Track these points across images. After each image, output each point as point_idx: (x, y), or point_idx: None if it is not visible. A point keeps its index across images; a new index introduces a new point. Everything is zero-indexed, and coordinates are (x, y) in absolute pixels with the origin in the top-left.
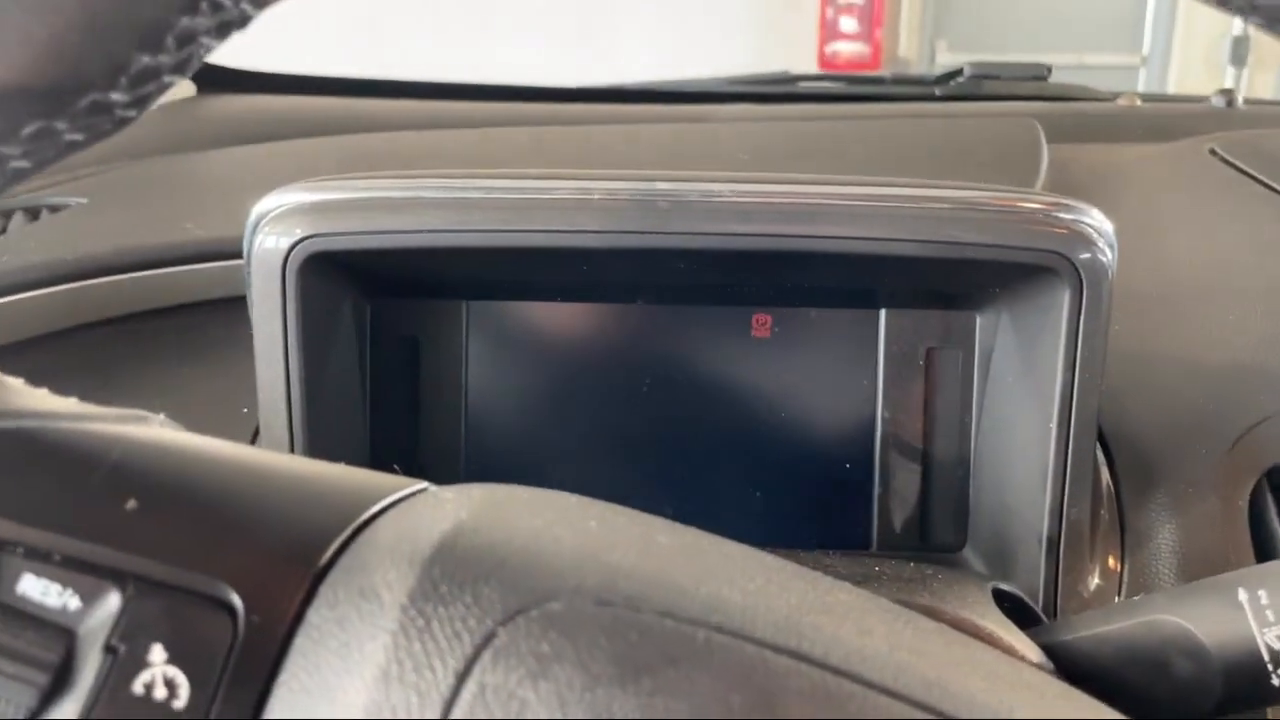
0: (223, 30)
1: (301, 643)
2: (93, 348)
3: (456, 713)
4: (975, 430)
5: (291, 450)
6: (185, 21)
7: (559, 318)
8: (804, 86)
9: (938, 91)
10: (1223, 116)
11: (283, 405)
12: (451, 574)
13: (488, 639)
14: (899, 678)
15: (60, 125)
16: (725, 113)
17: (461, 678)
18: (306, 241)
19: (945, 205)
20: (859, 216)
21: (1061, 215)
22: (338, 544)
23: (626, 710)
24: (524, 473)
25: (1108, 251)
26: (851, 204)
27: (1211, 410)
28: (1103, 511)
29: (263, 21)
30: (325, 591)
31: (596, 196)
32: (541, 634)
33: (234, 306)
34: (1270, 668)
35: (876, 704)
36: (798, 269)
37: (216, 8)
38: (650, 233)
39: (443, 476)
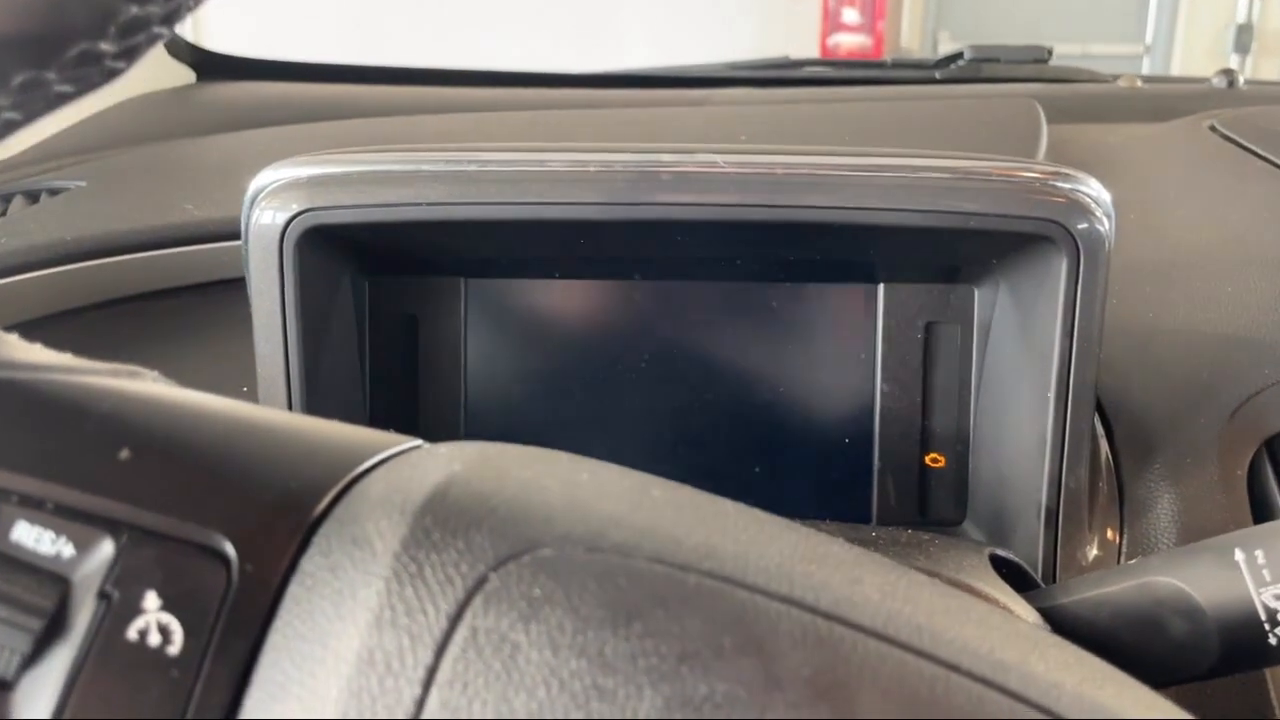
0: None
1: (295, 590)
2: (92, 329)
3: (449, 655)
4: (974, 404)
5: None
6: None
7: (557, 295)
8: (804, 71)
9: (938, 75)
10: (1224, 96)
11: (281, 380)
12: (444, 522)
13: (479, 583)
14: (890, 622)
15: (50, 76)
16: (724, 96)
17: (454, 621)
18: (304, 215)
19: (942, 175)
20: (856, 186)
21: (1059, 184)
22: (331, 495)
23: (618, 652)
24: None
25: (1105, 221)
26: (848, 174)
27: (1210, 380)
28: (1101, 482)
29: (266, 17)
30: (319, 540)
31: (593, 169)
32: (533, 578)
33: (233, 288)
34: (1267, 627)
35: (866, 646)
36: (794, 240)
37: None
38: (646, 204)
39: None
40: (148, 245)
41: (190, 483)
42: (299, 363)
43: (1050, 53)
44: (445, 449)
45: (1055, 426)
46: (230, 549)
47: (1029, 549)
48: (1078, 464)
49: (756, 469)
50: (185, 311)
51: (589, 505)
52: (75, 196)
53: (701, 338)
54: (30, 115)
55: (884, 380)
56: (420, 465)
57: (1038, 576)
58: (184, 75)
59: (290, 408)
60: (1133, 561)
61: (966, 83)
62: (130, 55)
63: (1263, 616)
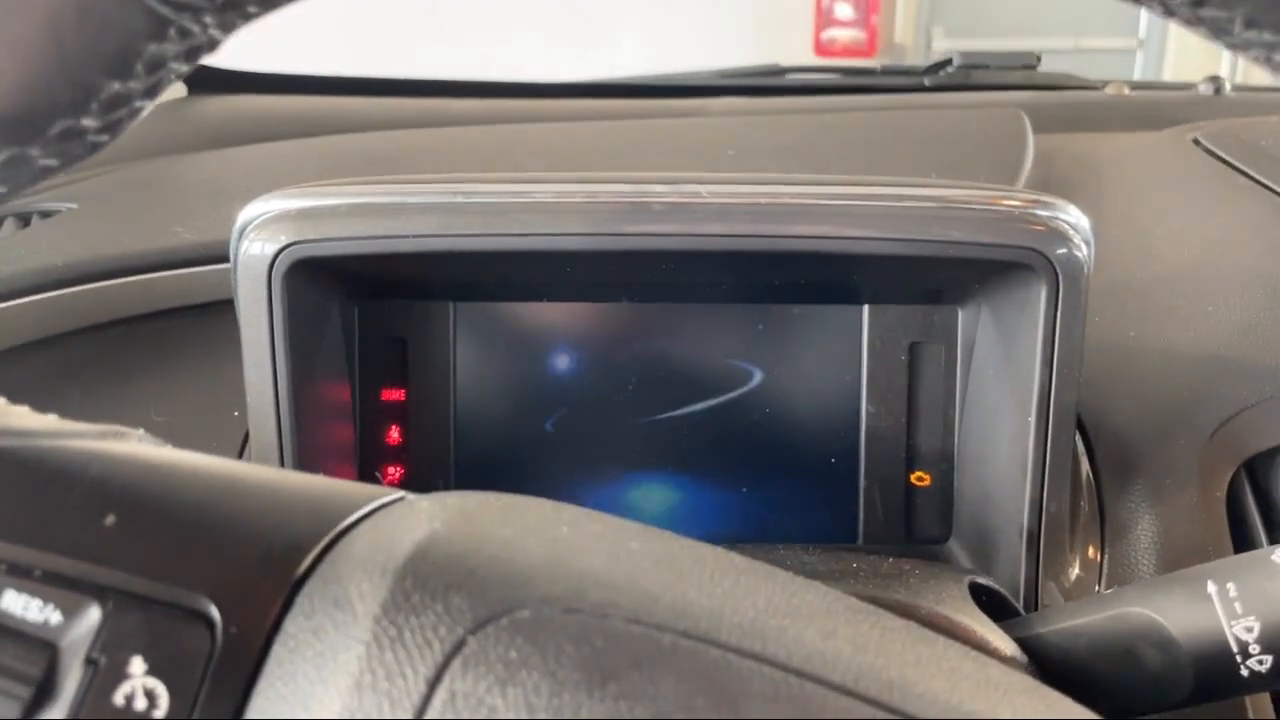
0: (191, 55)
1: (279, 652)
2: (85, 353)
3: (428, 719)
4: (959, 424)
5: (280, 452)
6: (153, 48)
7: (546, 317)
8: (794, 79)
9: (927, 82)
10: (1210, 104)
11: (271, 410)
12: (423, 583)
13: (458, 647)
14: (861, 679)
15: (34, 152)
16: (715, 106)
17: (432, 685)
18: (292, 248)
19: (923, 203)
20: (837, 215)
21: (1039, 213)
22: (314, 554)
23: (594, 713)
24: (513, 471)
25: (1084, 247)
26: (830, 203)
27: (1191, 401)
28: (1082, 503)
29: (260, 26)
30: (302, 601)
31: (578, 199)
32: (510, 641)
33: (224, 310)
34: (1239, 659)
35: (837, 704)
36: (778, 268)
37: (184, 34)
38: (630, 234)
39: (432, 475)
40: (137, 269)
41: (174, 545)
42: (288, 390)
43: (1039, 59)
44: (427, 503)
45: (1036, 450)
46: (214, 611)
47: (1011, 569)
48: (1059, 488)
49: (744, 489)
50: (175, 334)
51: (567, 563)
52: (65, 219)
53: (689, 359)
54: (14, 189)
55: (869, 400)
56: (402, 522)
57: (1020, 596)
58: (175, 89)
59: (280, 434)
60: (1109, 591)
61: (956, 90)
62: (113, 129)
63: (1234, 649)
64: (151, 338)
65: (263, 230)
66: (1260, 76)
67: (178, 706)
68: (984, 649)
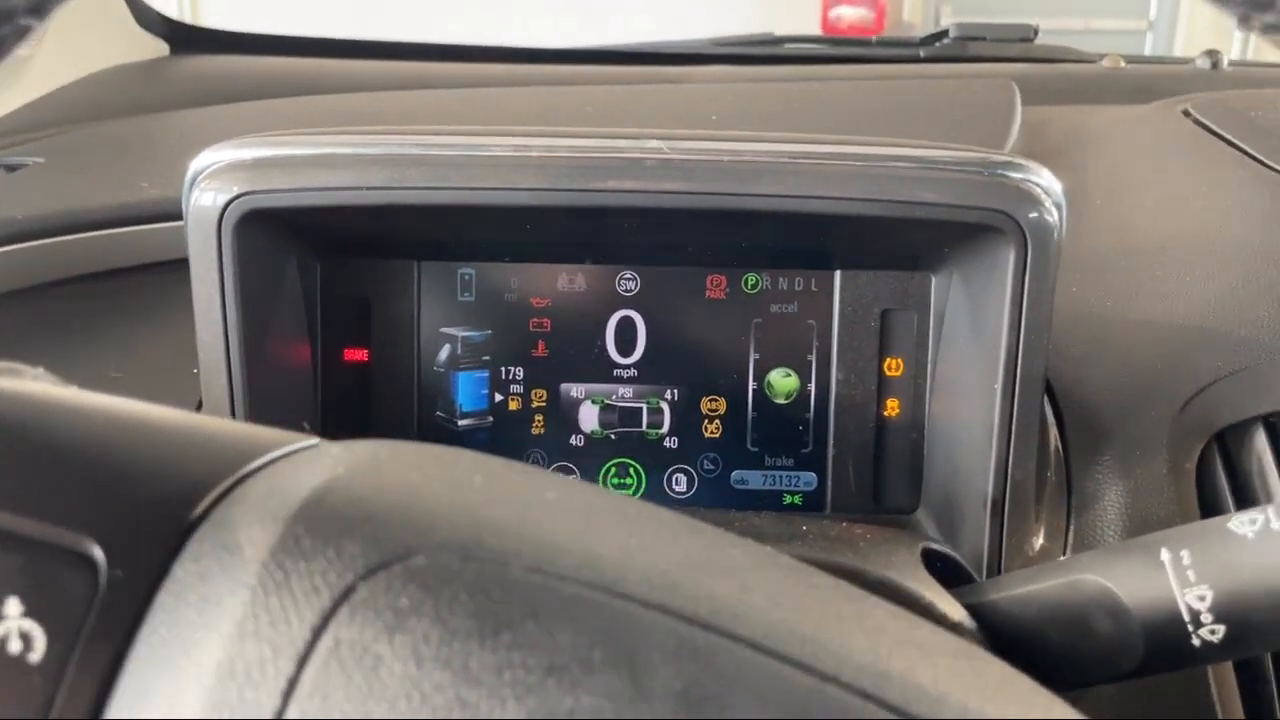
0: None
1: (164, 598)
2: (46, 309)
3: (310, 667)
4: (929, 393)
5: (232, 411)
6: None
7: (511, 279)
8: (788, 49)
9: (922, 53)
10: (1207, 78)
11: (222, 366)
12: (315, 528)
13: (346, 593)
14: (772, 633)
15: None
16: (705, 74)
17: (317, 632)
18: (243, 198)
19: (890, 163)
20: (802, 174)
21: (1009, 174)
22: (211, 498)
23: (483, 664)
24: (477, 434)
25: (1054, 211)
26: (794, 162)
27: (1163, 372)
28: (1050, 472)
29: None
30: (192, 546)
31: (535, 153)
32: (402, 589)
33: (187, 267)
34: (1190, 628)
35: (742, 658)
36: (743, 229)
37: None
38: (588, 190)
39: (395, 438)
40: (101, 224)
41: (59, 485)
42: (240, 347)
43: (1036, 31)
44: (339, 449)
45: (1002, 417)
46: (99, 553)
47: (976, 538)
48: (1025, 455)
49: (711, 455)
50: (139, 292)
51: (472, 511)
52: (31, 173)
53: (655, 324)
54: None
55: (839, 368)
56: (305, 467)
57: (983, 565)
58: (156, 48)
59: (232, 392)
60: (1063, 558)
61: (951, 61)
62: (40, 11)
63: (1186, 618)
64: (113, 294)
65: (213, 180)
66: (1270, 56)
67: (56, 650)
68: (931, 615)
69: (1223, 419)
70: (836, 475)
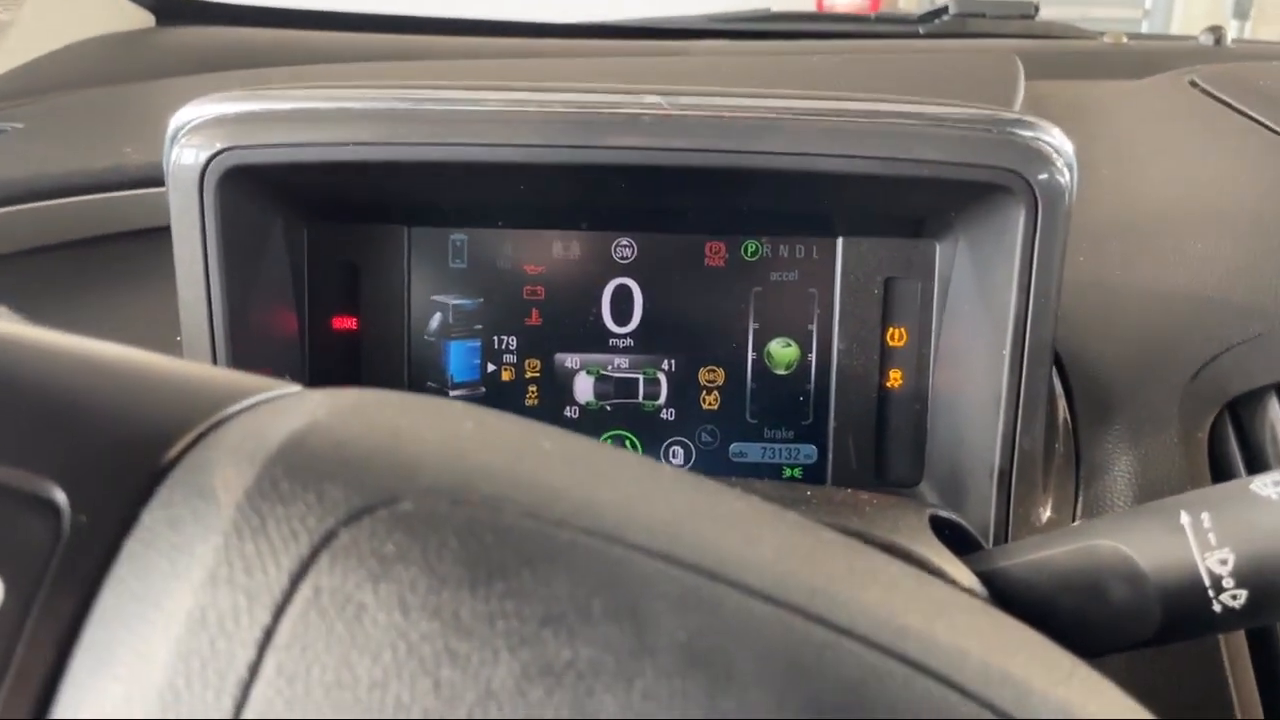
0: None
1: (133, 546)
2: (25, 276)
3: (289, 616)
4: (933, 363)
5: None
6: None
7: (504, 245)
8: (785, 25)
9: (922, 30)
10: (1210, 54)
11: (205, 330)
12: (295, 471)
13: (327, 539)
14: (781, 584)
15: None
16: (702, 48)
17: (296, 580)
18: (225, 154)
19: (896, 120)
20: (804, 131)
21: (1020, 132)
22: (184, 443)
23: (475, 614)
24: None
25: (1066, 172)
26: (797, 118)
27: (1174, 341)
28: (1058, 443)
29: None
30: (162, 492)
31: (531, 109)
32: (387, 534)
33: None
34: (1211, 594)
35: (750, 609)
36: (742, 188)
37: None
38: (585, 147)
39: None
40: (81, 189)
41: (23, 426)
42: (224, 311)
43: (1037, 8)
44: (323, 394)
45: (1010, 385)
46: (62, 498)
47: (982, 510)
48: (1032, 424)
49: (707, 428)
50: (122, 259)
51: (464, 455)
52: (9, 139)
53: (652, 292)
54: None
55: (841, 338)
56: (286, 411)
57: (989, 539)
58: (142, 19)
59: (214, 358)
60: (1076, 524)
61: (951, 38)
62: None
63: (1207, 582)
64: (95, 262)
65: (195, 135)
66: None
67: (16, 599)
68: (940, 580)
69: (1235, 387)
70: (837, 448)
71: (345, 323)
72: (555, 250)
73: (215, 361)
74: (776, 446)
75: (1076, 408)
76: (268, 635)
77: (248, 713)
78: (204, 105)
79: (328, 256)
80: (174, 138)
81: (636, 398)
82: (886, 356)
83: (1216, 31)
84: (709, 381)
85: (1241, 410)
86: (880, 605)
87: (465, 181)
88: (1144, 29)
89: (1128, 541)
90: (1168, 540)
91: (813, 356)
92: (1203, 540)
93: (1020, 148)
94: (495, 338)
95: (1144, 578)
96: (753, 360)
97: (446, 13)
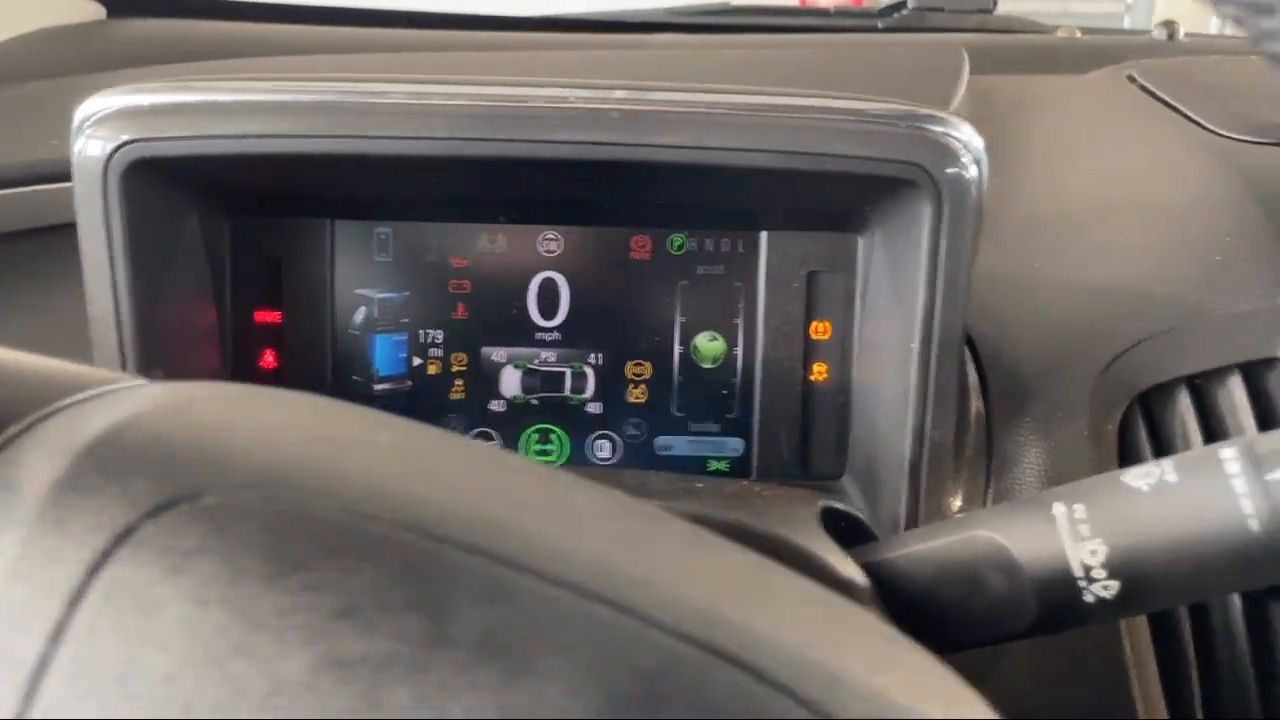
0: None
1: None
2: None
3: (82, 609)
4: (856, 356)
5: (123, 371)
6: None
7: (430, 239)
8: (743, 19)
9: (880, 24)
10: (1162, 48)
11: (112, 325)
12: (103, 465)
13: (127, 532)
14: (596, 576)
15: None
16: (658, 41)
17: (92, 573)
18: (129, 146)
19: (806, 115)
20: (707, 124)
21: (927, 127)
22: (7, 435)
23: (272, 607)
24: (395, 398)
25: (973, 167)
26: (704, 112)
27: (1088, 334)
28: (969, 435)
29: None
30: None
31: (435, 101)
32: (189, 528)
33: None
34: (1082, 584)
35: (557, 601)
36: (655, 181)
37: None
38: (489, 140)
39: None
40: (3, 182)
41: None
42: (130, 305)
43: (995, 2)
44: (160, 388)
45: (919, 377)
46: None
47: (894, 502)
48: (943, 417)
49: (633, 421)
50: (38, 254)
51: (286, 449)
52: None
53: (579, 286)
54: None
55: (765, 331)
56: (113, 405)
57: (900, 529)
58: (94, 10)
59: (121, 354)
60: (959, 516)
61: (909, 32)
62: None
63: (1078, 573)
64: (18, 255)
65: (100, 127)
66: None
67: None
68: (821, 571)
69: (1144, 380)
70: (763, 441)
71: (268, 316)
72: (481, 244)
73: (123, 358)
74: (703, 440)
75: (991, 400)
76: (59, 628)
77: (36, 706)
78: (110, 97)
79: (250, 250)
80: (79, 129)
81: (563, 391)
82: (810, 350)
83: (1169, 26)
84: (636, 375)
85: (1153, 403)
86: (700, 597)
87: (381, 175)
88: (1125, 22)
89: (1004, 533)
90: (1041, 531)
91: (738, 350)
92: (1074, 531)
93: (926, 143)
94: (421, 331)
95: (1019, 568)
96: (679, 354)
97: (405, 6)
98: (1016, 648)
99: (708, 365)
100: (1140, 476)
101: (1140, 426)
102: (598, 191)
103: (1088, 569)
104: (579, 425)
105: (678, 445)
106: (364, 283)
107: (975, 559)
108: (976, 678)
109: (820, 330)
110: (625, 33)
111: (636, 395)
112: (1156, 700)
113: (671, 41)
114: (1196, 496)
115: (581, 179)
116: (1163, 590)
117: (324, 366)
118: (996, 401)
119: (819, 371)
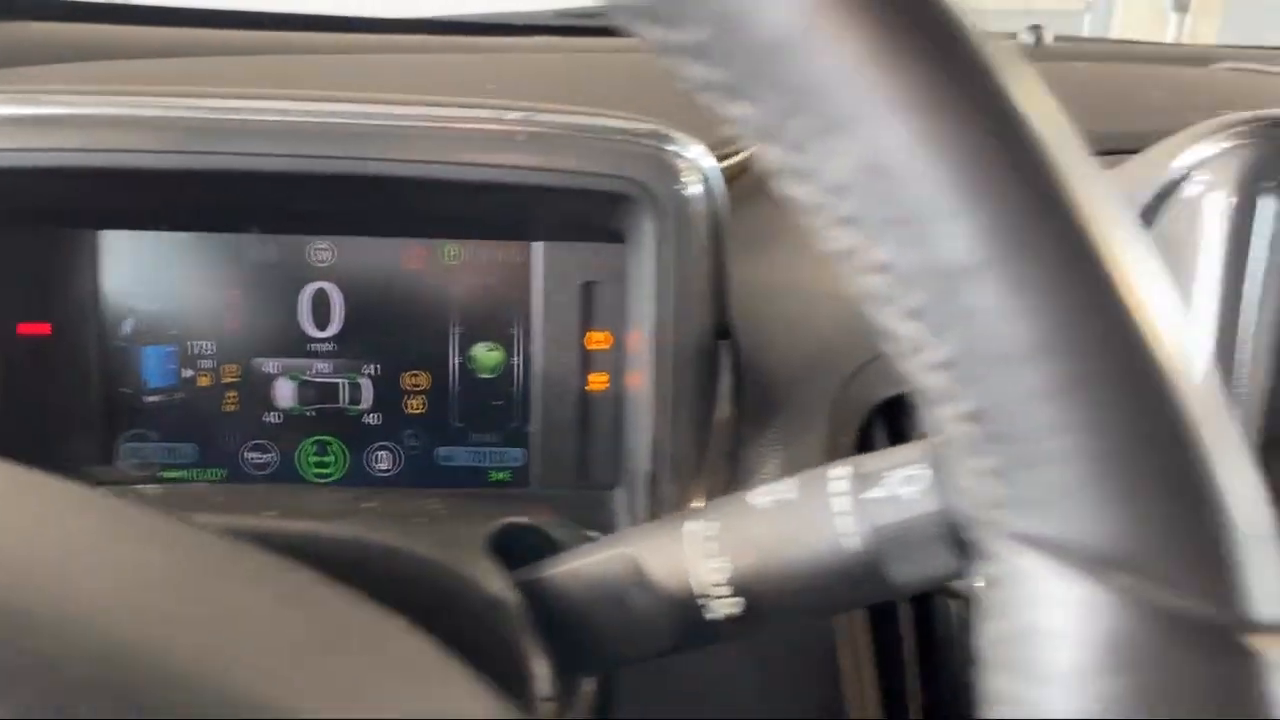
0: None
1: None
2: None
3: None
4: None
5: None
6: None
7: (199, 249)
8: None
9: None
10: (1029, 54)
11: None
12: None
13: None
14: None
15: None
16: (530, 45)
17: None
18: None
19: (515, 128)
20: (411, 139)
21: (648, 143)
22: None
23: None
24: (167, 410)
25: (697, 185)
26: (407, 125)
27: (836, 344)
28: (713, 447)
29: None
30: None
31: (150, 112)
32: None
33: None
34: (707, 602)
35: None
36: (364, 194)
37: None
38: (191, 153)
39: (75, 416)
40: None
41: None
42: None
43: None
44: None
45: (655, 388)
46: None
47: (639, 515)
48: (681, 429)
49: (412, 433)
50: None
51: None
52: None
53: (353, 296)
54: None
55: (543, 341)
56: None
57: None
58: None
59: None
60: (612, 534)
61: None
62: None
63: (698, 591)
64: None
65: None
66: (1207, 37)
67: None
68: (466, 589)
69: (882, 391)
70: (543, 451)
71: (35, 329)
72: (251, 254)
73: None
74: (483, 450)
75: (743, 410)
76: None
77: None
78: None
79: (13, 262)
80: None
81: (340, 403)
82: (588, 360)
83: (1036, 31)
84: (413, 386)
85: (896, 415)
86: (157, 621)
87: (137, 186)
88: (1085, 22)
89: (641, 551)
90: (672, 550)
91: (517, 360)
92: (701, 549)
93: (647, 159)
94: (190, 343)
95: (652, 586)
96: (457, 364)
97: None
98: (726, 648)
99: (486, 375)
100: (765, 494)
101: (885, 439)
102: (360, 202)
103: (713, 586)
104: (358, 437)
105: (459, 456)
106: (132, 294)
107: (618, 577)
108: (684, 678)
109: (599, 340)
110: (498, 35)
111: (415, 406)
112: (871, 706)
113: (540, 45)
114: (805, 514)
115: (338, 190)
116: (780, 607)
117: (90, 379)
118: (747, 412)
119: (597, 381)
